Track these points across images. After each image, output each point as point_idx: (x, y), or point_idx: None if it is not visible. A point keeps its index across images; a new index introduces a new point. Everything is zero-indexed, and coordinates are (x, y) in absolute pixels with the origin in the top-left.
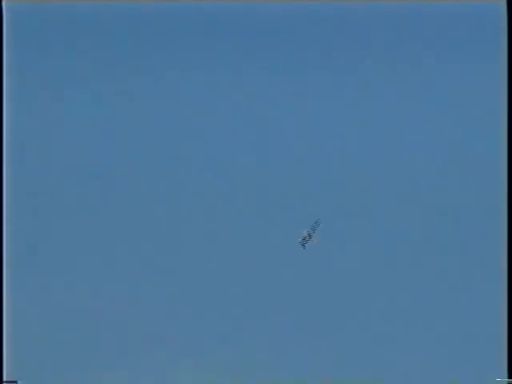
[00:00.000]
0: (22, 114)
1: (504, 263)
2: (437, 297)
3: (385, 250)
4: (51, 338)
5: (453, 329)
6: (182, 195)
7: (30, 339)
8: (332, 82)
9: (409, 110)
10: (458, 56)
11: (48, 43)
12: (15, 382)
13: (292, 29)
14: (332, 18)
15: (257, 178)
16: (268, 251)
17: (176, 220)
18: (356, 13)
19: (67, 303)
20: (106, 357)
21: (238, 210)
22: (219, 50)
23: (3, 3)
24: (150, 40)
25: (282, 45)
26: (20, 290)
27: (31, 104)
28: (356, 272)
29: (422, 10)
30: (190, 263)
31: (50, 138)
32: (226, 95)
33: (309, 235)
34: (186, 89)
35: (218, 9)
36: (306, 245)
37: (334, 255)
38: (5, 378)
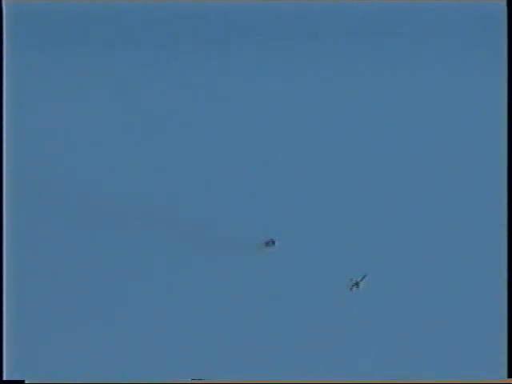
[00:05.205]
0: (22, 113)
1: (504, 261)
2: (435, 295)
3: (383, 246)
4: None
5: (452, 328)
6: (184, 193)
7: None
8: (330, 81)
9: (408, 110)
10: (457, 55)
11: (49, 43)
12: (22, 381)
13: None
14: (328, 15)
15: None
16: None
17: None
18: (352, 12)
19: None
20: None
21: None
22: (219, 48)
23: (3, 2)
24: (154, 40)
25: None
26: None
27: (32, 103)
28: (355, 271)
29: (420, 8)
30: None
31: (50, 139)
32: (223, 93)
33: (356, 283)
34: (189, 88)
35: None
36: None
37: (334, 257)
38: (5, 377)
